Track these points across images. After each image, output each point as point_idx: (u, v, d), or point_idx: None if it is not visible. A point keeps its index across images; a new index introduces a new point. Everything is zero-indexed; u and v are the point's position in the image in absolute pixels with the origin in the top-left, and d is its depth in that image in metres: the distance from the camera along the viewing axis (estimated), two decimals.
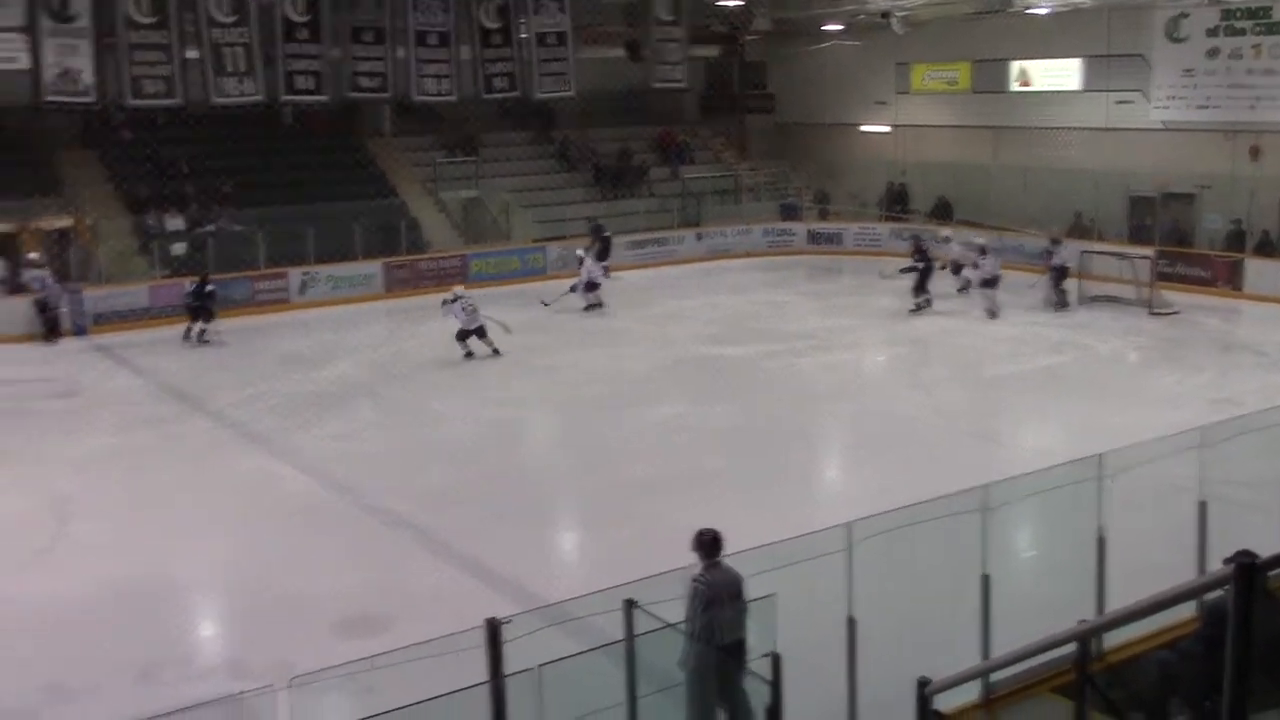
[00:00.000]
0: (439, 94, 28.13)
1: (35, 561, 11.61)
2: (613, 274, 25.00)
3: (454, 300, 19.96)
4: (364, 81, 27.34)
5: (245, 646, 9.89)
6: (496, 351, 19.76)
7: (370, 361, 20.25)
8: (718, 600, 7.26)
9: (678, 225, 31.16)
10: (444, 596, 10.44)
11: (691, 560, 7.46)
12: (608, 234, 27.07)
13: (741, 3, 32.56)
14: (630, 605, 7.01)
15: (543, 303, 23.84)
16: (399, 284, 26.25)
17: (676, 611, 7.17)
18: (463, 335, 19.75)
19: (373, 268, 26.34)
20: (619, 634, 7.03)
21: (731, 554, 7.71)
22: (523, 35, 28.84)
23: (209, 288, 21.91)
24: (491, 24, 28.38)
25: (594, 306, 23.66)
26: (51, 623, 10.16)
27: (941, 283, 23.79)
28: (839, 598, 7.51)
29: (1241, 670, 4.68)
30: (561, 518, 13.52)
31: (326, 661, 8.53)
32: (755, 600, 7.18)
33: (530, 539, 12.21)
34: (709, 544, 7.49)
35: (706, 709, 7.19)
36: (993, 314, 22.01)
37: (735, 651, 7.11)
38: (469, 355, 19.68)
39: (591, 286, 23.81)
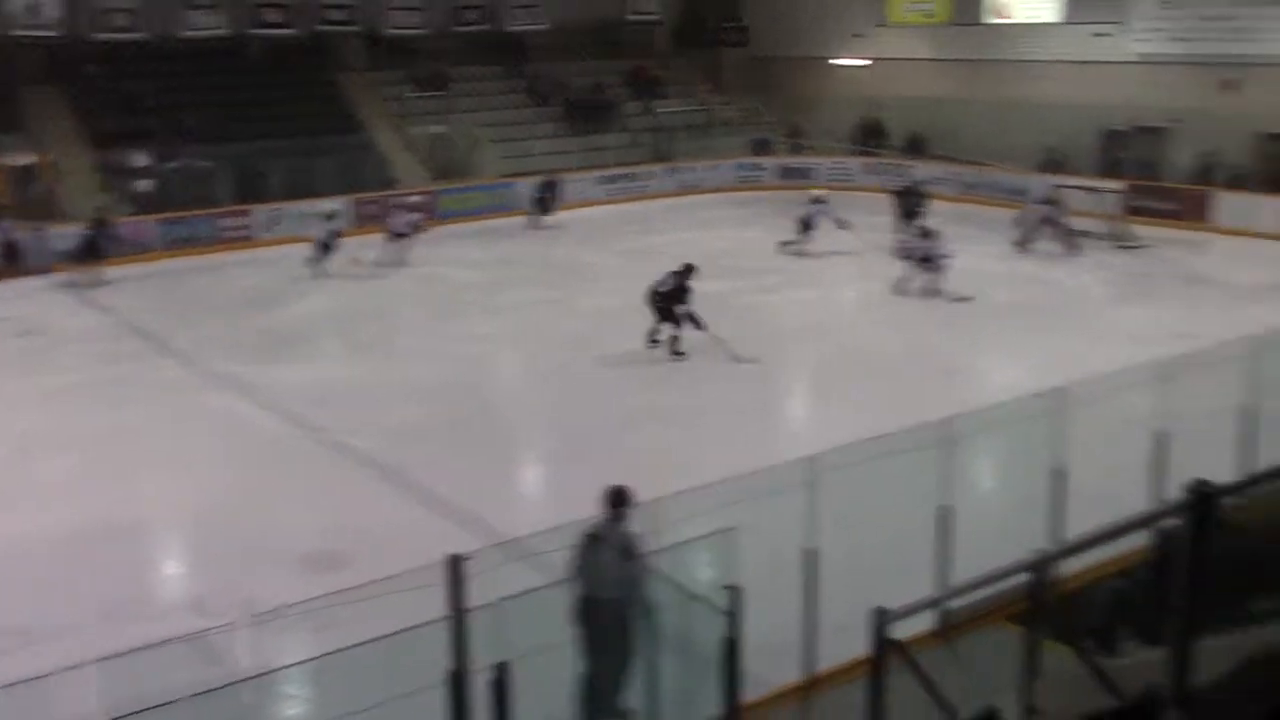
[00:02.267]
0: (409, 27, 27.75)
1: None
2: None
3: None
4: (333, 14, 26.96)
5: (208, 584, 9.86)
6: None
7: (338, 299, 20.12)
8: (590, 551, 7.20)
9: (649, 160, 30.95)
10: (408, 534, 10.42)
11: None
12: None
13: None
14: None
15: None
16: (367, 220, 26.00)
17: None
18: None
19: (341, 204, 26.08)
20: None
21: (696, 487, 7.74)
22: None
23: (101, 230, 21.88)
24: None
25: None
26: (15, 562, 10.11)
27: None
28: (801, 530, 7.54)
29: (1194, 595, 4.75)
30: (529, 454, 13.51)
31: (289, 599, 8.56)
32: (715, 534, 7.19)
33: (497, 476, 12.20)
34: (612, 499, 7.39)
35: (584, 656, 7.17)
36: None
37: (615, 609, 7.04)
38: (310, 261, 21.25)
39: None
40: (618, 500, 7.32)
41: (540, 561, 7.70)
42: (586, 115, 31.74)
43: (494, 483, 11.87)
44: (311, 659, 6.03)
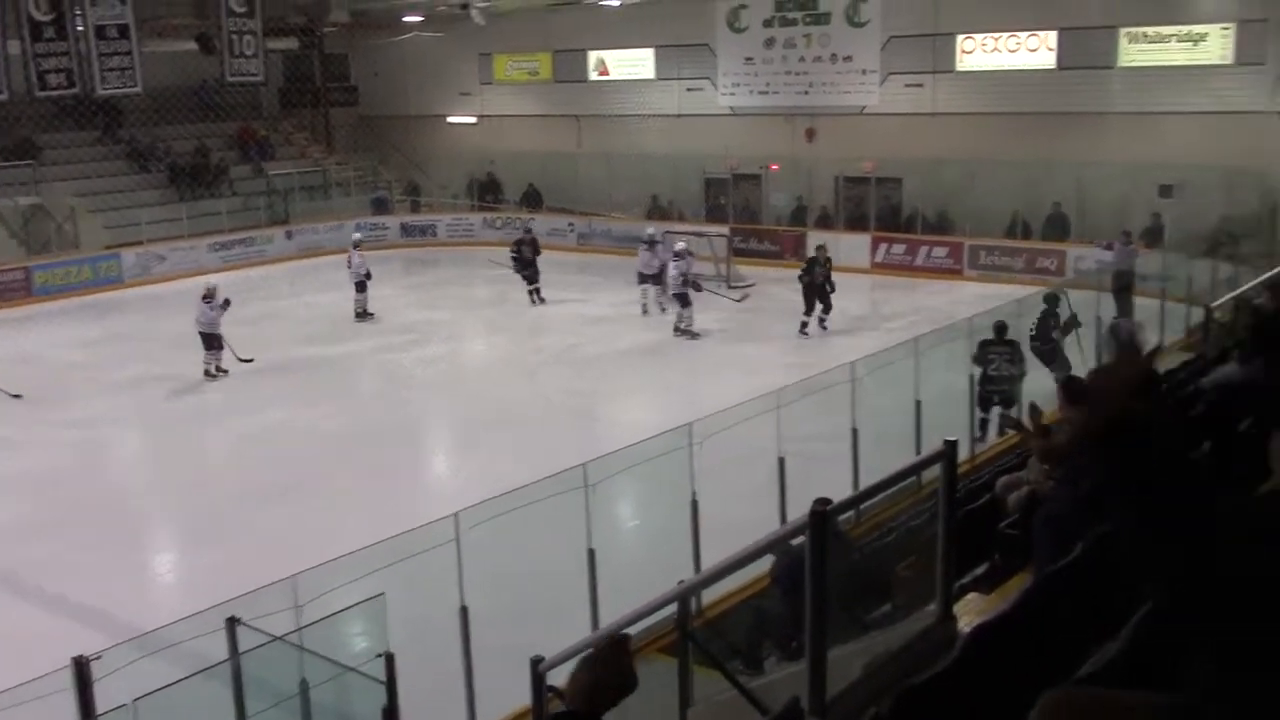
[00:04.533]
0: None
1: None
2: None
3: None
4: None
5: None
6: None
7: None
8: None
9: (265, 224, 30.03)
10: (23, 639, 9.53)
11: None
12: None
13: None
14: (233, 622, 6.72)
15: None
16: None
17: (284, 624, 6.92)
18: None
19: None
20: (224, 654, 6.72)
21: (340, 557, 7.54)
22: (79, 28, 26.71)
23: None
24: (42, 16, 26.03)
25: None
26: None
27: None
28: (452, 588, 7.52)
29: (820, 607, 5.10)
30: (157, 540, 12.72)
31: None
32: (364, 602, 7.05)
33: (123, 567, 11.40)
34: None
35: None
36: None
37: None
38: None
39: None
40: None
41: (177, 652, 7.26)
42: (193, 180, 30.42)
43: (120, 575, 11.08)
44: None
